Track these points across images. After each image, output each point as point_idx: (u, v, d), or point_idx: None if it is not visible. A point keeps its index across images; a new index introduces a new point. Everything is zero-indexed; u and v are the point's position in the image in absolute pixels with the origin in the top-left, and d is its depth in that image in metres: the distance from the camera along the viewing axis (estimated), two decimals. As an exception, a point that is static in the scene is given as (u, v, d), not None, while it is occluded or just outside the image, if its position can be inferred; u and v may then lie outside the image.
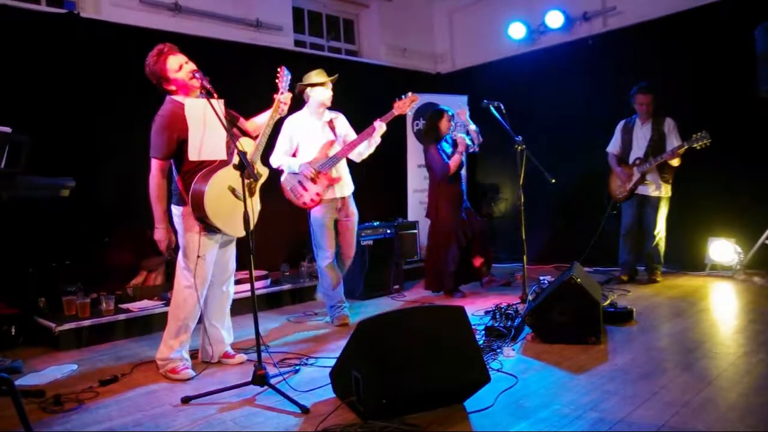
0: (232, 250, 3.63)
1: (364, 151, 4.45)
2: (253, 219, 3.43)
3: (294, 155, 4.45)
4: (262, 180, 3.48)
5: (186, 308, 3.36)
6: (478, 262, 5.37)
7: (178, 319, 3.37)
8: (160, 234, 3.32)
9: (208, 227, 3.27)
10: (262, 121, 3.59)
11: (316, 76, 4.38)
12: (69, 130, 4.75)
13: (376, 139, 4.39)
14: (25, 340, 4.22)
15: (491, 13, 7.59)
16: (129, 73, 4.52)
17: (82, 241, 4.78)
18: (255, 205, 3.47)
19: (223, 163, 3.25)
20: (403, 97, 4.33)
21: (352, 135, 4.49)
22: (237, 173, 3.10)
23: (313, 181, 4.32)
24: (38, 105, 4.61)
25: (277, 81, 3.53)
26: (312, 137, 4.40)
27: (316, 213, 4.40)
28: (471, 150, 5.25)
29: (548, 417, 2.48)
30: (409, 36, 8.00)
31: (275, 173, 4.26)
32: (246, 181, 3.02)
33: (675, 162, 5.09)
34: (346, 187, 4.49)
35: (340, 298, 4.55)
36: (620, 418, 2.42)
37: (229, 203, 3.22)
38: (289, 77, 3.56)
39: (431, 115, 5.30)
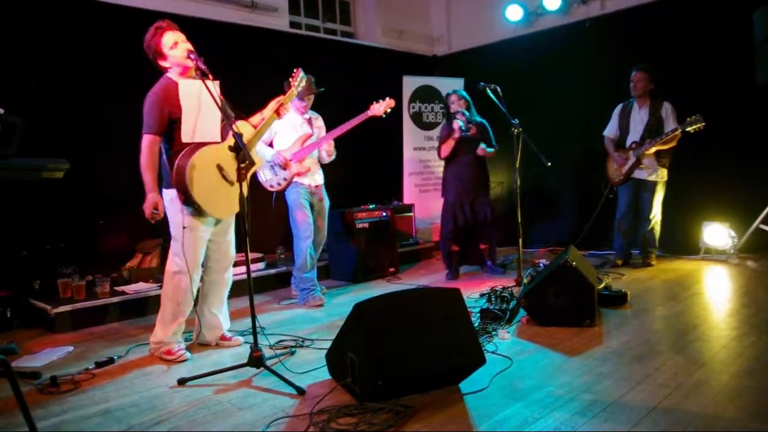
0: (230, 236, 3.59)
1: (326, 154, 4.74)
2: (236, 207, 3.34)
3: (270, 143, 4.68)
4: (255, 168, 3.45)
5: (179, 294, 3.33)
6: (482, 247, 5.48)
7: (172, 304, 3.35)
8: (148, 200, 3.22)
9: (193, 208, 3.22)
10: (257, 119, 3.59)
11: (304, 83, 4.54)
12: (64, 111, 4.70)
13: (332, 152, 4.74)
14: (21, 323, 4.23)
15: (488, -5, 7.54)
16: (125, 53, 4.48)
17: (77, 224, 4.76)
18: (244, 190, 3.41)
19: (214, 142, 3.24)
20: (380, 100, 4.59)
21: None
22: (230, 154, 3.08)
23: (283, 167, 4.56)
24: (33, 86, 4.56)
25: (291, 80, 3.59)
26: (291, 129, 4.68)
27: (292, 195, 4.63)
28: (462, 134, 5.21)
29: (542, 398, 2.50)
30: (406, 18, 7.93)
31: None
32: (240, 165, 2.99)
33: (670, 144, 5.08)
34: (317, 176, 4.77)
35: (313, 281, 4.68)
36: (614, 399, 2.44)
37: (214, 181, 3.20)
38: (303, 80, 3.63)
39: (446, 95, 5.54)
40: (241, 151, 2.88)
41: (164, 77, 3.28)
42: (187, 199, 3.19)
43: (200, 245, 3.37)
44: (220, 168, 3.24)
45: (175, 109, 3.18)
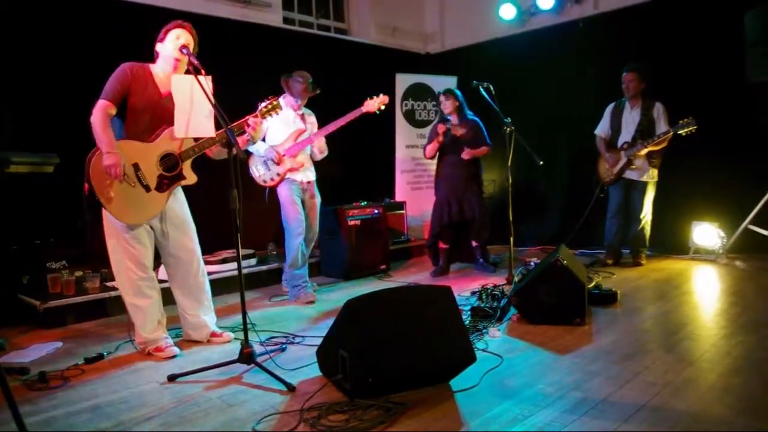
0: (184, 240, 3.42)
1: (318, 151, 4.78)
2: (147, 215, 3.24)
3: (263, 138, 4.63)
4: (186, 183, 3.34)
5: (124, 293, 3.34)
6: (474, 244, 5.49)
7: (128, 303, 3.35)
8: (110, 159, 3.00)
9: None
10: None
11: (300, 80, 4.56)
12: (56, 106, 4.65)
13: (324, 149, 4.78)
14: (9, 318, 4.18)
15: (482, -7, 7.53)
16: (115, 47, 4.46)
17: (66, 219, 4.72)
18: (161, 200, 3.25)
19: (147, 138, 3.21)
20: (374, 96, 4.60)
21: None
22: (154, 156, 3.08)
23: (277, 162, 4.55)
24: (24, 80, 4.52)
25: (260, 103, 3.41)
26: (283, 124, 4.66)
27: (284, 191, 4.62)
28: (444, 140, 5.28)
29: (532, 396, 2.51)
30: (399, 15, 7.91)
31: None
32: (164, 174, 2.98)
33: (662, 145, 5.11)
34: (310, 172, 4.76)
35: (304, 278, 4.69)
36: (603, 397, 2.46)
37: (124, 181, 3.11)
38: (276, 111, 3.43)
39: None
40: (233, 146, 2.87)
41: (146, 65, 3.27)
42: (90, 189, 3.09)
43: (139, 249, 3.27)
44: (136, 167, 3.15)
45: (134, 92, 3.16)
